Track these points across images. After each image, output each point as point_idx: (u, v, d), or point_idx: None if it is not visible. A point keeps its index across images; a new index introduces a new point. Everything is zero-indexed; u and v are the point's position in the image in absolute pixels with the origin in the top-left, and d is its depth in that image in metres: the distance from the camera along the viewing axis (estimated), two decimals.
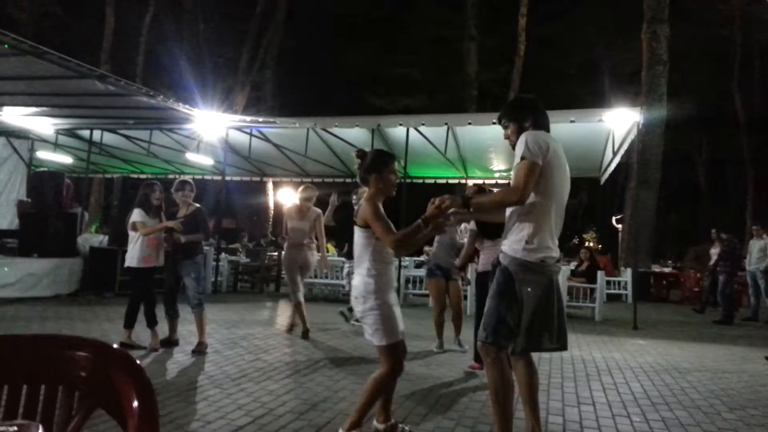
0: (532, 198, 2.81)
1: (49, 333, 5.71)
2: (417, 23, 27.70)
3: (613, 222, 23.19)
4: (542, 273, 2.83)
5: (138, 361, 1.43)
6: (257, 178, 17.35)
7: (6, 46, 6.86)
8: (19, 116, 11.06)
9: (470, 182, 15.09)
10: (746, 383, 5.21)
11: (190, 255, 5.59)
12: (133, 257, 5.59)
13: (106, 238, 10.91)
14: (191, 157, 13.76)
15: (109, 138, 13.01)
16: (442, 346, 6.24)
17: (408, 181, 12.48)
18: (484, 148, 12.41)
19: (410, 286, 11.38)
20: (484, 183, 13.55)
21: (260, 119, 11.76)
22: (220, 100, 22.58)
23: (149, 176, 16.30)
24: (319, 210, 6.94)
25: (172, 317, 5.74)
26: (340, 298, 10.98)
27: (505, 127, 3.10)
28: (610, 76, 27.31)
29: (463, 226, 6.14)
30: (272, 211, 23.91)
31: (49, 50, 7.23)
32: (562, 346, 2.93)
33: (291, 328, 6.97)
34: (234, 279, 12.69)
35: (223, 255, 12.44)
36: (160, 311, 5.69)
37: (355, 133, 11.37)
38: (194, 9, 25.99)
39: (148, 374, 1.40)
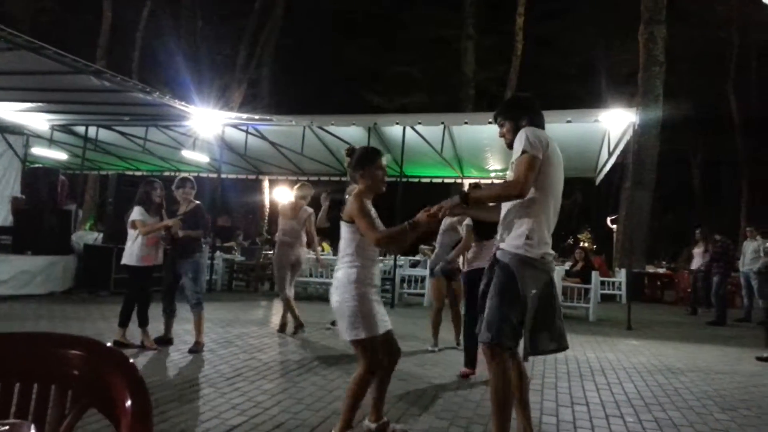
0: (531, 193, 2.79)
1: (42, 331, 5.69)
2: (415, 22, 27.69)
3: (608, 222, 23.23)
4: (543, 269, 2.81)
5: (132, 360, 1.42)
6: (253, 176, 17.32)
7: (2, 40, 6.83)
8: (13, 112, 11.01)
9: (466, 182, 15.13)
10: (739, 384, 5.23)
11: (189, 253, 5.56)
12: (131, 255, 5.56)
13: (101, 235, 10.87)
14: (187, 154, 13.73)
15: (104, 134, 12.97)
16: (437, 345, 6.26)
17: (404, 180, 12.49)
18: (481, 148, 12.42)
19: (405, 285, 11.38)
20: (480, 183, 13.56)
21: (257, 117, 11.75)
22: (217, 97, 22.53)
23: (145, 173, 16.25)
24: (311, 209, 6.95)
25: (169, 315, 5.72)
26: None
27: (501, 126, 3.10)
28: (607, 77, 27.34)
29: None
30: (268, 210, 23.87)
31: (44, 45, 7.20)
32: (562, 346, 2.88)
33: (283, 328, 6.95)
34: (229, 277, 12.67)
35: (218, 253, 12.42)
36: (155, 310, 5.68)
37: (351, 132, 11.37)
38: (192, 5, 25.91)
39: (142, 373, 1.39)
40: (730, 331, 9.38)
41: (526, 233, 2.79)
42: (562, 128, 9.36)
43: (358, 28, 28.50)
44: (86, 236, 11.29)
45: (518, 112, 3.04)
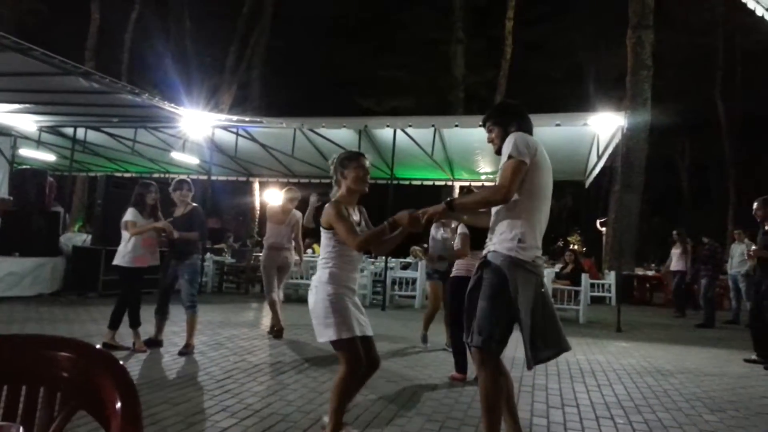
0: (521, 197, 2.80)
1: (30, 333, 5.63)
2: (405, 25, 27.77)
3: (598, 225, 23.37)
4: (534, 272, 2.81)
5: (121, 362, 1.41)
6: (243, 178, 17.28)
7: None
8: (1, 113, 10.91)
9: (457, 184, 15.18)
10: (727, 385, 5.27)
11: (186, 255, 5.54)
12: (124, 256, 5.53)
13: (90, 237, 10.79)
14: (177, 156, 13.67)
15: (93, 136, 12.89)
16: (426, 339, 6.40)
17: (395, 182, 12.49)
18: (471, 151, 12.46)
19: (396, 287, 11.37)
20: (470, 185, 13.60)
21: (247, 119, 11.72)
22: (206, 99, 22.47)
23: (134, 175, 16.17)
24: (299, 213, 6.96)
25: (162, 317, 5.69)
26: None
27: (490, 131, 3.11)
28: (596, 81, 27.57)
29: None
30: (258, 212, 23.81)
31: (32, 46, 7.14)
32: (563, 349, 2.83)
33: (273, 329, 6.93)
34: (219, 279, 12.62)
35: (208, 255, 12.36)
36: (146, 312, 5.65)
37: (342, 134, 11.36)
38: (180, 7, 25.82)
39: (132, 375, 1.38)
40: (719, 333, 9.46)
41: (519, 236, 2.79)
42: (552, 132, 9.41)
43: (348, 31, 28.54)
44: (75, 238, 11.21)
45: (507, 118, 3.04)
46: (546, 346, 2.77)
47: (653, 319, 11.22)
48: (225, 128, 11.76)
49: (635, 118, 14.40)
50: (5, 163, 13.65)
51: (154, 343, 5.64)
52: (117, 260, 5.58)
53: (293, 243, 6.97)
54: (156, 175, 16.17)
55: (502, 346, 2.86)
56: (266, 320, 7.82)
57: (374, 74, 27.51)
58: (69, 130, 12.44)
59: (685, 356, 6.83)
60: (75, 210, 21.82)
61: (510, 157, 2.77)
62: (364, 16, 28.30)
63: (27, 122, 11.90)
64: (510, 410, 2.99)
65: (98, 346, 1.49)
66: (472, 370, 4.57)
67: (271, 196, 15.02)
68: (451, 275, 5.12)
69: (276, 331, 6.59)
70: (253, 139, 12.60)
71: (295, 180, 15.93)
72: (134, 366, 4.87)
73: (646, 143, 16.93)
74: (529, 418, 3.85)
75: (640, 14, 16.97)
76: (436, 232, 6.20)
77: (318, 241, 13.81)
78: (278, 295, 6.83)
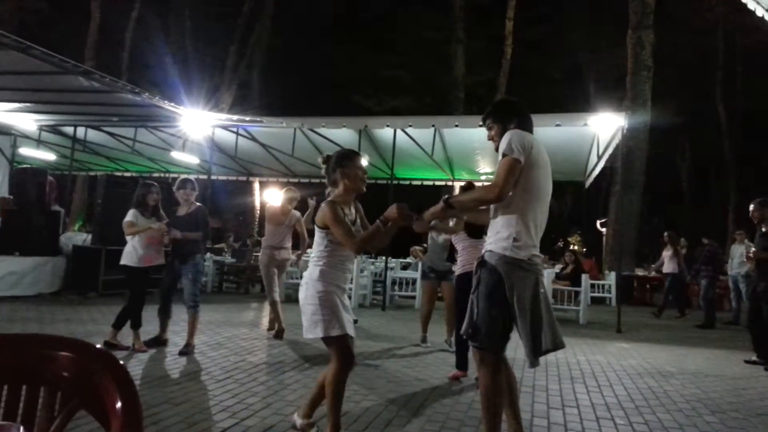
0: (516, 196, 2.79)
1: (31, 333, 5.63)
2: (405, 25, 27.72)
3: (598, 225, 23.37)
4: (530, 270, 2.81)
5: (121, 362, 1.41)
6: (243, 178, 17.28)
7: None
8: (1, 112, 10.90)
9: (457, 184, 15.17)
10: (727, 386, 5.27)
11: (189, 255, 5.56)
12: (131, 256, 5.54)
13: (90, 236, 10.78)
14: (177, 155, 13.66)
15: (93, 135, 12.88)
16: (426, 340, 6.40)
17: (395, 182, 12.49)
18: (471, 150, 12.45)
19: (396, 287, 11.37)
20: (470, 182, 13.58)
21: (247, 118, 11.71)
22: (207, 98, 22.44)
23: (134, 174, 16.17)
24: (298, 213, 6.97)
25: (166, 316, 5.70)
26: None
27: (489, 129, 3.09)
28: (596, 81, 27.57)
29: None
30: (258, 211, 23.79)
31: (32, 45, 7.14)
32: (558, 345, 2.83)
33: (273, 327, 6.94)
34: (219, 279, 12.61)
35: (208, 255, 12.35)
36: (146, 313, 5.64)
37: (342, 134, 11.35)
38: (181, 6, 25.82)
39: (132, 375, 1.38)
40: (719, 334, 9.45)
41: (513, 235, 2.79)
42: (552, 132, 9.41)
43: (348, 31, 28.50)
44: (75, 237, 11.20)
45: (507, 116, 3.03)
46: (544, 343, 2.78)
47: (653, 319, 11.21)
48: (225, 128, 11.75)
49: (635, 119, 14.41)
50: (5, 162, 13.65)
51: (160, 342, 5.66)
52: (124, 260, 5.59)
53: (290, 243, 7.00)
54: (156, 175, 16.18)
55: (502, 345, 2.86)
56: (266, 320, 7.82)
57: (374, 74, 27.49)
58: (69, 129, 12.44)
59: (685, 357, 6.83)
60: (75, 209, 21.81)
61: (504, 155, 2.77)
62: (365, 15, 28.28)
63: (27, 121, 11.89)
64: (513, 410, 2.98)
65: (98, 346, 1.48)
66: (473, 369, 4.56)
67: (271, 196, 15.02)
68: (458, 273, 5.13)
69: (277, 332, 6.59)
70: (253, 138, 12.59)
71: (296, 180, 15.93)
72: (135, 365, 4.86)
73: (647, 143, 16.92)
74: (529, 418, 3.85)
75: (641, 14, 16.97)
76: (437, 235, 6.20)
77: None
78: (278, 294, 6.84)
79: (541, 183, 2.88)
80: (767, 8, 5.05)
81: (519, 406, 3.08)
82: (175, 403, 3.79)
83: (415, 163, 13.36)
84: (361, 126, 10.82)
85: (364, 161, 3.22)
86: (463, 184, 5.32)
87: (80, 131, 12.33)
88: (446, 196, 3.02)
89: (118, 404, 1.29)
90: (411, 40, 27.41)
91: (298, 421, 3.23)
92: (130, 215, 5.59)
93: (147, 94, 9.48)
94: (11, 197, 11.18)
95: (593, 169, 12.23)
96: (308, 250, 7.87)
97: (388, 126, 10.55)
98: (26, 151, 13.87)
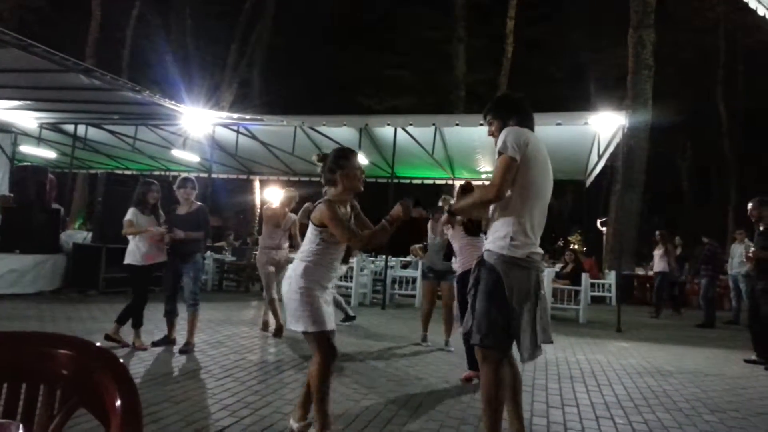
0: (513, 194, 2.80)
1: (31, 330, 5.63)
2: (406, 24, 27.69)
3: (598, 224, 23.36)
4: (529, 268, 2.81)
5: (121, 360, 1.41)
6: (244, 176, 17.28)
7: None
8: (1, 109, 10.91)
9: (457, 183, 15.17)
10: (727, 386, 5.27)
11: (191, 254, 5.57)
12: (134, 255, 5.55)
13: (90, 234, 10.78)
14: (177, 153, 13.66)
15: (93, 133, 12.88)
16: (426, 339, 6.42)
17: (395, 181, 12.48)
18: (471, 149, 12.46)
19: (396, 286, 11.37)
20: (468, 182, 13.58)
21: (247, 117, 11.71)
22: (207, 96, 22.45)
23: (134, 172, 16.17)
24: (294, 216, 6.99)
25: (172, 316, 5.71)
26: None
27: (490, 124, 3.08)
28: (597, 80, 27.52)
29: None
30: (259, 210, 23.80)
31: (33, 43, 7.14)
32: (547, 339, 2.86)
33: (265, 326, 6.95)
34: (219, 277, 12.61)
35: (208, 253, 12.36)
36: (148, 311, 5.65)
37: (342, 132, 11.35)
38: (182, 4, 25.80)
39: (132, 373, 1.38)
40: (719, 333, 9.46)
41: (511, 234, 2.79)
42: (552, 131, 9.41)
43: (349, 30, 28.46)
44: (75, 235, 11.20)
45: (507, 112, 3.02)
46: (541, 340, 2.81)
47: (653, 319, 11.21)
48: (226, 126, 11.75)
49: (636, 118, 14.40)
50: (6, 160, 13.65)
51: (169, 341, 5.67)
52: (128, 259, 5.60)
53: (288, 242, 7.03)
54: (156, 173, 16.19)
55: (507, 343, 2.86)
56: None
57: (375, 73, 27.46)
58: (69, 127, 12.44)
59: (685, 356, 6.83)
60: (76, 207, 21.81)
61: (500, 153, 2.77)
62: (366, 14, 28.25)
63: (28, 119, 11.89)
64: (516, 409, 2.98)
65: (98, 344, 1.48)
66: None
67: (271, 195, 15.03)
68: (459, 272, 5.14)
69: (276, 329, 6.60)
70: (253, 137, 12.59)
71: (296, 178, 15.94)
72: (134, 364, 4.87)
73: (647, 142, 16.92)
74: (529, 417, 3.85)
75: (642, 13, 16.96)
76: (434, 236, 6.23)
77: None
78: (275, 292, 6.84)
79: (539, 181, 2.88)
80: None
81: (522, 405, 3.09)
82: (174, 401, 3.79)
83: (416, 161, 13.36)
84: (361, 124, 10.82)
85: (361, 159, 3.22)
86: (462, 183, 5.31)
87: (81, 129, 12.32)
88: (448, 207, 3.04)
89: (118, 402, 1.29)
90: (412, 40, 27.39)
91: (295, 425, 3.23)
92: (130, 213, 5.61)
93: (147, 92, 9.48)
94: (12, 195, 11.17)
95: (594, 168, 12.23)
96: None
97: (388, 124, 10.56)
98: (27, 148, 13.87)
